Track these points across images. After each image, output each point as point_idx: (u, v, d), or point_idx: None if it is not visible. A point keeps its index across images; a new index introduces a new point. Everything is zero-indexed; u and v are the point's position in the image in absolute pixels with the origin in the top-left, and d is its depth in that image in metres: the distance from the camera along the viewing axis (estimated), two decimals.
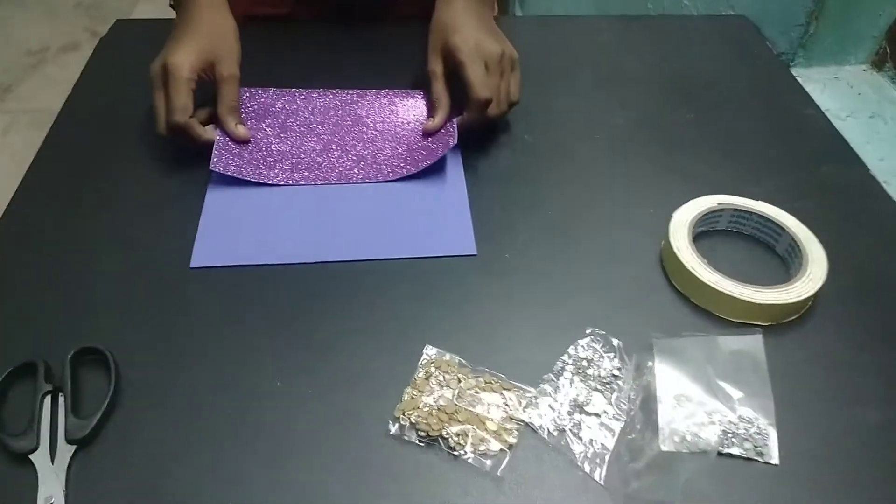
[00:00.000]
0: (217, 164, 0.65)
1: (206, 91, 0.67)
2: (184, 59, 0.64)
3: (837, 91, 0.84)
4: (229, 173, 0.65)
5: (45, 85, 2.25)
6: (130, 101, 0.74)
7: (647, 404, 0.50)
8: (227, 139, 0.68)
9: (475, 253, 0.60)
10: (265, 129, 0.70)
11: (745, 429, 0.49)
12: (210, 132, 0.67)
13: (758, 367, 0.51)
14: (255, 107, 0.73)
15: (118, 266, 0.59)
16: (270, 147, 0.69)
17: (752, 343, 0.51)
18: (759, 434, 0.49)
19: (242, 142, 0.69)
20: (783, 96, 0.80)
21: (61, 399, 0.49)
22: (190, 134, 0.65)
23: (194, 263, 0.59)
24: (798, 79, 0.83)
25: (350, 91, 0.76)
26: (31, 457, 0.46)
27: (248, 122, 0.71)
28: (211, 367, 0.52)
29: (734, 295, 0.55)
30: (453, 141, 0.67)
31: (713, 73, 0.83)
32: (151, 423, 0.49)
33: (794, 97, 0.80)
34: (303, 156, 0.69)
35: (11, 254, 0.60)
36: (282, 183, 0.66)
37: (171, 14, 0.81)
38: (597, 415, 0.50)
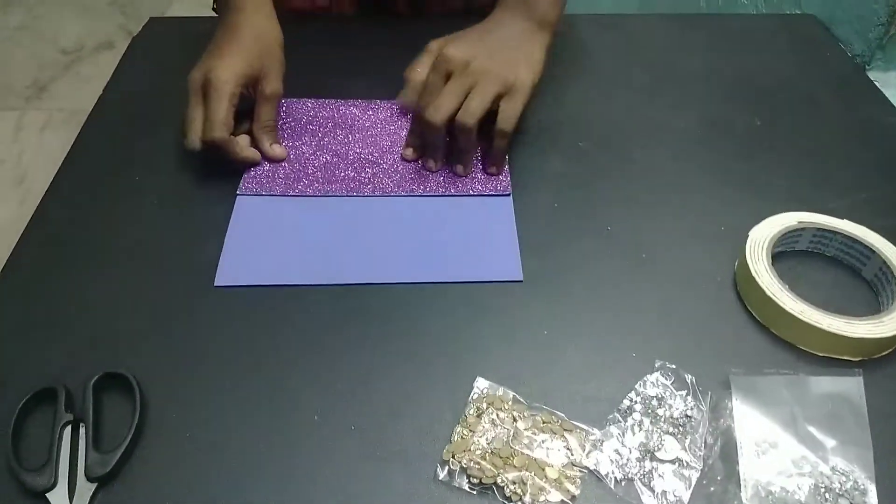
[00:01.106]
0: (246, 189, 0.62)
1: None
2: (230, 73, 0.60)
3: None
4: (260, 192, 0.61)
5: (80, 84, 2.25)
6: (163, 102, 0.71)
7: (726, 451, 0.45)
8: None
9: (521, 279, 0.55)
10: (301, 148, 0.66)
11: (839, 482, 0.43)
12: (248, 150, 0.63)
13: (856, 412, 0.45)
14: (292, 122, 0.68)
15: (142, 283, 0.55)
16: (305, 164, 0.65)
17: (851, 385, 0.45)
18: (856, 489, 0.43)
19: (277, 161, 0.64)
20: (861, 102, 0.74)
21: (82, 430, 0.45)
22: (228, 151, 0.61)
23: (219, 282, 0.54)
24: (876, 83, 0.77)
25: (390, 103, 0.71)
26: (47, 495, 0.42)
27: (284, 140, 0.66)
28: (241, 397, 0.48)
29: (822, 327, 0.49)
30: (505, 183, 0.63)
31: (781, 76, 0.77)
32: (177, 458, 0.44)
33: (874, 103, 0.74)
34: (337, 171, 0.64)
35: (33, 267, 0.56)
36: (313, 194, 0.62)
37: (206, 12, 0.77)
38: (670, 462, 0.44)
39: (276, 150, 0.65)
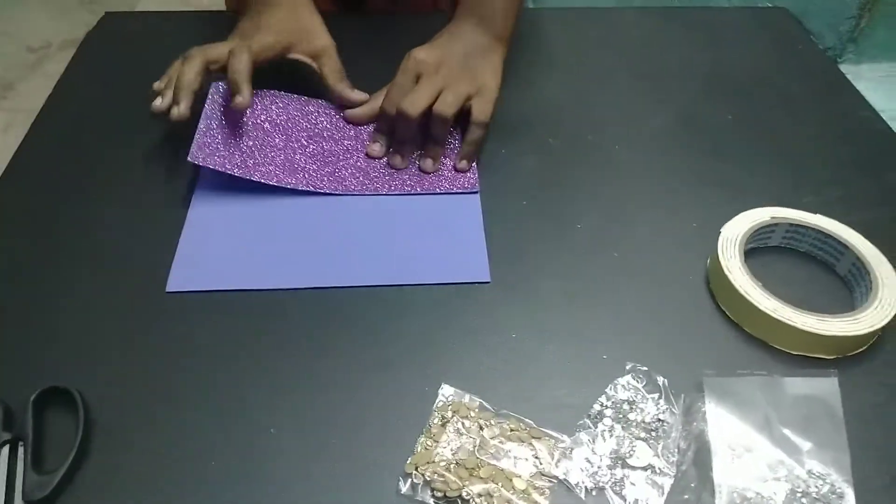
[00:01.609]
0: (197, 154, 0.57)
1: None
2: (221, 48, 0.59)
3: (893, 90, 0.76)
4: (210, 166, 0.57)
5: (47, 83, 2.18)
6: (116, 100, 0.68)
7: (700, 456, 0.43)
8: (212, 129, 0.60)
9: (488, 280, 0.53)
10: (263, 129, 0.63)
11: (816, 487, 0.41)
12: (186, 110, 0.57)
13: (831, 413, 0.43)
14: (257, 110, 0.65)
15: (89, 289, 0.52)
16: (264, 145, 0.61)
17: (826, 386, 0.44)
18: (833, 493, 0.41)
19: (359, 104, 0.65)
20: (833, 96, 0.73)
21: (21, 450, 0.42)
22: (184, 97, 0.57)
23: (171, 287, 0.52)
24: (847, 76, 0.76)
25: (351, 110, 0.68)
26: None
27: (245, 118, 0.63)
28: (194, 410, 0.45)
29: (796, 325, 0.48)
30: (473, 180, 0.61)
31: (754, 70, 0.76)
32: (124, 478, 0.42)
33: (846, 97, 0.73)
34: (298, 163, 0.61)
35: None
36: (272, 182, 0.58)
37: (171, 6, 0.74)
38: (642, 469, 0.42)
39: (357, 94, 0.65)
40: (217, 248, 0.55)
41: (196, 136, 0.59)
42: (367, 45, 0.77)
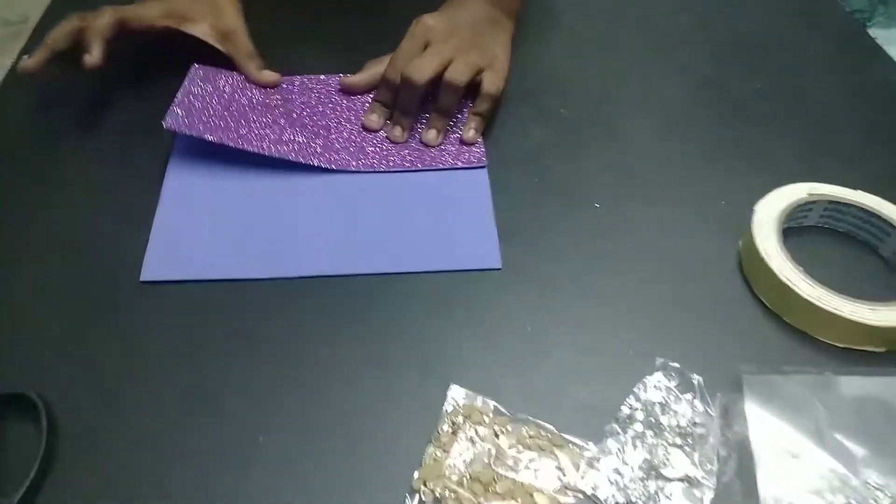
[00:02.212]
0: (172, 122, 0.52)
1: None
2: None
3: None
4: (188, 132, 0.52)
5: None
6: (80, 76, 0.61)
7: (742, 464, 0.38)
8: (190, 99, 0.55)
9: (499, 266, 0.48)
10: (243, 104, 0.57)
11: (874, 499, 0.37)
12: (99, 55, 0.54)
13: (891, 416, 0.39)
14: (234, 82, 0.60)
15: (53, 281, 0.47)
16: (247, 116, 0.56)
17: (884, 385, 0.39)
18: None
19: (271, 86, 0.60)
20: (864, 62, 0.67)
21: None
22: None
23: (145, 277, 0.46)
24: (877, 41, 0.70)
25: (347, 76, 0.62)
26: None
27: (224, 89, 0.58)
28: (173, 416, 0.40)
29: (844, 315, 0.43)
30: (480, 153, 0.56)
31: (775, 33, 0.70)
32: (94, 491, 0.37)
33: (878, 63, 0.67)
34: (285, 134, 0.55)
35: None
36: (256, 150, 0.53)
37: None
38: (679, 480, 0.38)
39: (268, 74, 0.61)
40: (194, 233, 0.49)
41: (173, 103, 0.53)
42: (354, 15, 0.71)
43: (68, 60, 0.55)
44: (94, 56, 0.53)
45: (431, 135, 0.56)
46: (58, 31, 0.55)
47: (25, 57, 0.55)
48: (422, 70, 0.54)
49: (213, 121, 0.53)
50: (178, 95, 0.55)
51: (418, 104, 0.56)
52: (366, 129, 0.57)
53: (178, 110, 0.53)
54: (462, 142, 0.56)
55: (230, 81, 0.60)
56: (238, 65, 0.61)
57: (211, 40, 0.60)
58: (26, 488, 0.36)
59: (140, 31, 0.58)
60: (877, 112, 0.61)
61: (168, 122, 0.52)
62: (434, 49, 0.56)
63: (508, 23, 0.64)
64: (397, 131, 0.56)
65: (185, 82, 0.57)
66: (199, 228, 0.49)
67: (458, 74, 0.55)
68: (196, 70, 0.59)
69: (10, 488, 0.36)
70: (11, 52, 0.63)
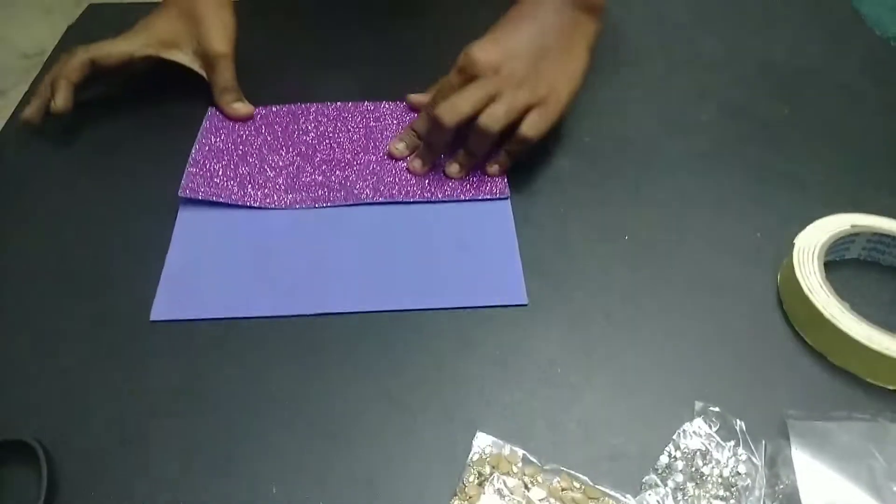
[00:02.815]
0: (189, 189, 0.51)
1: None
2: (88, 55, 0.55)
3: None
4: (206, 198, 0.51)
5: None
6: (96, 97, 0.60)
7: None
8: (201, 157, 0.54)
9: (525, 302, 0.46)
10: (259, 148, 0.56)
11: None
12: (65, 100, 0.54)
13: None
14: (251, 124, 0.59)
15: (59, 320, 0.45)
16: (260, 164, 0.55)
17: None
18: None
19: (244, 120, 0.58)
20: None
21: None
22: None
23: (155, 316, 0.44)
24: None
25: (365, 104, 0.61)
26: None
27: (237, 143, 0.57)
28: (182, 463, 0.38)
29: (895, 356, 0.40)
30: (502, 185, 0.53)
31: (807, 59, 0.68)
32: None
33: None
34: (302, 175, 0.54)
35: None
36: (272, 206, 0.52)
37: None
38: None
39: (239, 107, 0.59)
40: (207, 271, 0.47)
41: (187, 168, 0.53)
42: (372, 40, 0.70)
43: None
44: (57, 103, 0.54)
45: (454, 169, 0.54)
46: (47, 77, 0.56)
47: (26, 108, 0.56)
48: (452, 112, 0.50)
49: (228, 180, 0.53)
50: (191, 156, 0.54)
51: (446, 144, 0.52)
52: (390, 154, 0.56)
53: (190, 178, 0.52)
54: (483, 172, 0.54)
55: (249, 122, 0.59)
56: (214, 95, 0.59)
57: (195, 67, 0.59)
58: None
59: (117, 67, 0.56)
60: None
61: (181, 191, 0.51)
62: (475, 86, 0.51)
63: (591, 23, 0.55)
64: (417, 164, 0.54)
65: (200, 134, 0.57)
66: (211, 266, 0.48)
67: (492, 122, 0.50)
68: (211, 117, 0.59)
69: None
70: (31, 81, 0.63)
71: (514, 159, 0.53)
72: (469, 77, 0.51)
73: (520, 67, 0.51)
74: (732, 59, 0.68)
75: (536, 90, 0.51)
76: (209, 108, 0.60)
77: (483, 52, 0.51)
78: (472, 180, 0.54)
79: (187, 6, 0.58)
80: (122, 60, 0.56)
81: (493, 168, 0.54)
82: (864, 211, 0.49)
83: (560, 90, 0.52)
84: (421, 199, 0.52)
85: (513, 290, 0.46)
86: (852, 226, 0.48)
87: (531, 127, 0.51)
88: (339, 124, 0.59)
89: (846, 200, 0.51)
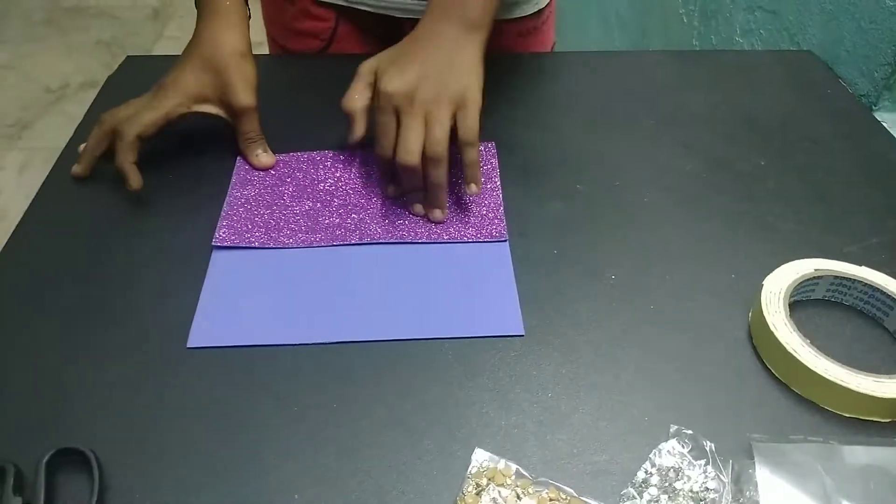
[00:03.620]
0: (221, 238, 0.58)
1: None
2: (142, 124, 0.60)
3: None
4: (237, 244, 0.57)
5: (64, 122, 2.22)
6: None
7: None
8: (232, 211, 0.60)
9: (522, 333, 0.51)
10: (282, 196, 0.62)
11: None
12: (136, 179, 0.60)
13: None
14: (274, 173, 0.65)
15: (105, 344, 0.50)
16: (285, 211, 0.61)
17: (889, 456, 0.41)
18: None
19: (266, 169, 0.64)
20: (869, 141, 0.71)
21: None
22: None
23: (192, 343, 0.50)
24: (884, 124, 0.74)
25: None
26: None
27: (262, 190, 0.63)
28: (215, 473, 0.43)
29: (850, 387, 0.45)
30: (501, 228, 0.59)
31: (782, 114, 0.74)
32: None
33: (880, 141, 0.71)
34: (321, 218, 0.60)
35: None
36: (295, 246, 0.58)
37: None
38: None
39: (263, 158, 0.64)
40: (238, 302, 0.53)
41: (220, 220, 0.59)
42: None
43: (108, 156, 0.62)
44: (132, 183, 0.60)
45: (437, 214, 0.59)
46: (92, 138, 0.62)
47: (75, 165, 0.64)
48: (410, 153, 0.56)
49: (256, 227, 0.59)
50: (223, 209, 0.60)
51: (421, 179, 0.58)
52: (389, 197, 0.62)
53: (222, 229, 0.58)
54: (478, 202, 0.60)
55: (272, 171, 0.65)
56: (238, 143, 0.64)
57: (223, 114, 0.64)
58: None
59: (158, 132, 0.61)
60: (878, 189, 0.64)
61: (216, 240, 0.57)
62: (408, 121, 0.56)
63: (475, 35, 0.59)
64: (418, 208, 0.60)
65: (231, 187, 0.63)
66: (241, 299, 0.53)
67: (437, 147, 0.55)
68: (238, 169, 0.65)
69: None
70: (53, 114, 0.70)
71: (477, 165, 0.58)
72: (394, 111, 0.56)
73: (430, 86, 0.56)
74: (716, 114, 0.74)
75: (452, 97, 0.56)
76: (236, 159, 0.65)
77: (392, 83, 0.56)
78: (474, 222, 0.60)
79: (210, 57, 0.62)
80: (160, 126, 0.61)
81: (472, 187, 0.58)
82: (828, 256, 0.54)
83: (470, 90, 0.57)
84: (428, 241, 0.58)
85: (511, 322, 0.52)
86: (816, 269, 0.53)
87: (466, 131, 0.56)
88: (353, 170, 0.65)
89: (812, 247, 0.57)
